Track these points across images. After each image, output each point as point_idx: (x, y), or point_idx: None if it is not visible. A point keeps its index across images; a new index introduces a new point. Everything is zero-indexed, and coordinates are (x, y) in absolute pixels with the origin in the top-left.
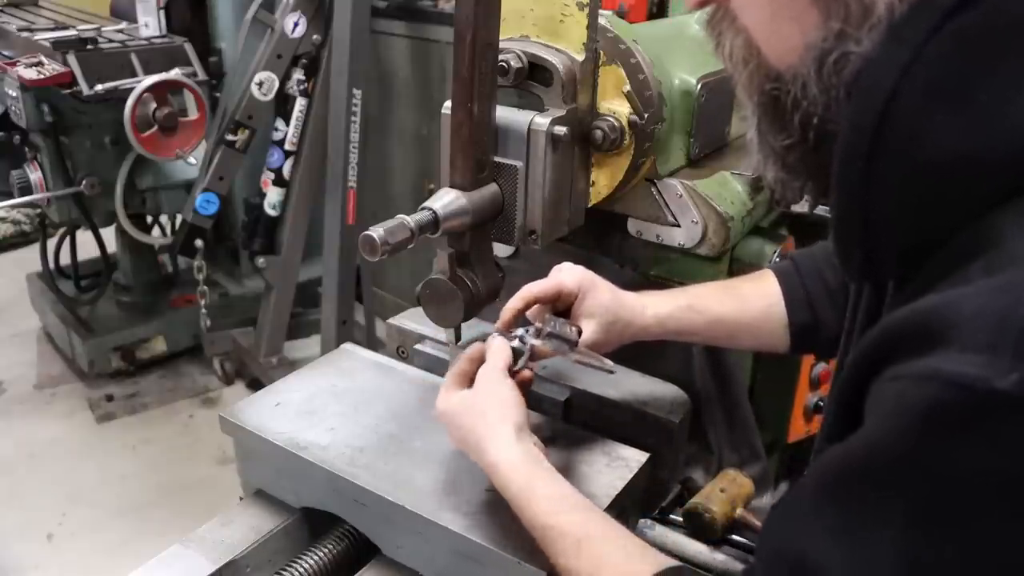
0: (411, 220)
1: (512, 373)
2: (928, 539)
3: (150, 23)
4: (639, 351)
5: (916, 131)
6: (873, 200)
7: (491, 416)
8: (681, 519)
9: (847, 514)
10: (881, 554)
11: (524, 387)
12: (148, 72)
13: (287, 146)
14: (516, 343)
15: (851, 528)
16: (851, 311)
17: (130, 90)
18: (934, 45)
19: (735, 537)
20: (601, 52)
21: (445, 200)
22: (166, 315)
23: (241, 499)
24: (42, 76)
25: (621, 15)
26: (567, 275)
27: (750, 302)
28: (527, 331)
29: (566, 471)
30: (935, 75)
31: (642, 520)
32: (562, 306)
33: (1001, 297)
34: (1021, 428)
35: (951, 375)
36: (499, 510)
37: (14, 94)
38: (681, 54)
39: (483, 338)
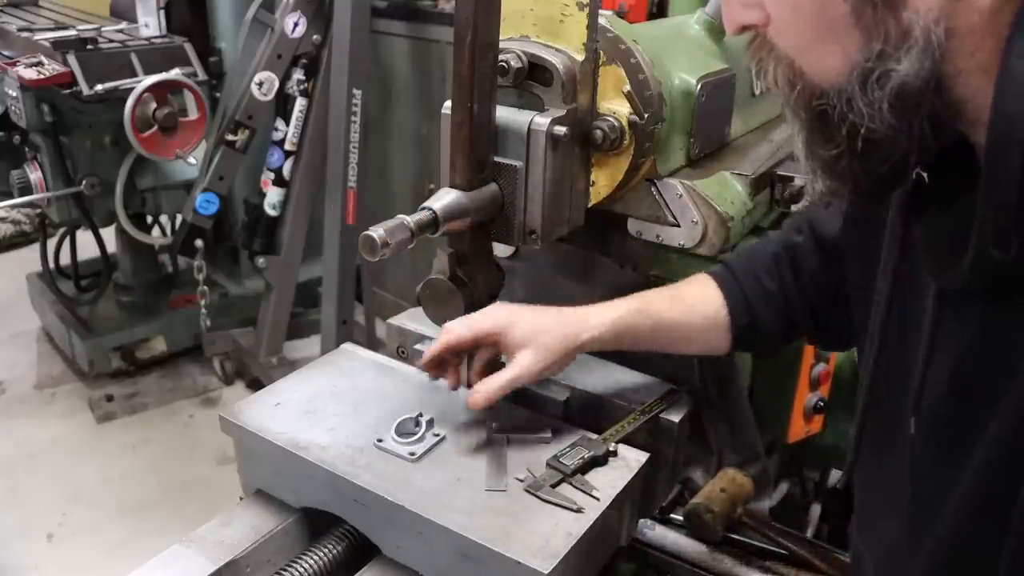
0: (411, 220)
1: None
2: None
3: (150, 23)
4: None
5: None
6: None
7: None
8: (681, 519)
9: None
10: None
11: None
12: (148, 72)
13: (287, 146)
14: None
15: None
16: (927, 344)
17: (130, 90)
18: None
19: (735, 537)
20: (601, 52)
21: (445, 200)
22: (166, 315)
23: (241, 499)
24: (42, 76)
25: (621, 15)
26: (480, 317)
27: (696, 308)
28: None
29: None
30: None
31: (642, 520)
32: (487, 347)
33: None
34: None
35: None
36: (499, 510)
37: (14, 94)
38: (681, 54)
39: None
